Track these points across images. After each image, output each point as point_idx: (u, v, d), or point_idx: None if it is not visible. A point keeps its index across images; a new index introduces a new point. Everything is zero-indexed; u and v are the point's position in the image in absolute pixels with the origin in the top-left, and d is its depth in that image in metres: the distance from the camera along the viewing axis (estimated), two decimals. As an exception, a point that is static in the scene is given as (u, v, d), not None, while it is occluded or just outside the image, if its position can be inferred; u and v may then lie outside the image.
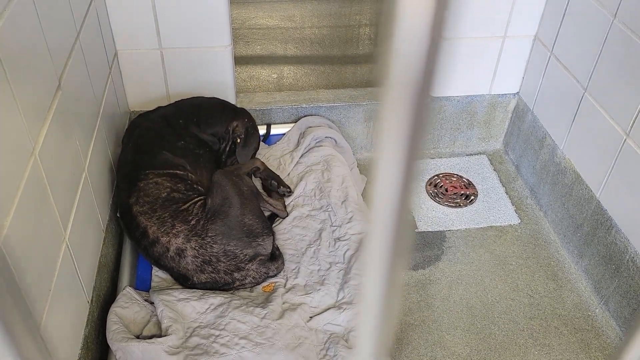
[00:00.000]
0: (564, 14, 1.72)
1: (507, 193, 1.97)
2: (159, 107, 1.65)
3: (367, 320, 0.31)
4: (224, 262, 1.35)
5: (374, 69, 2.55)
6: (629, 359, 0.33)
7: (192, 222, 1.35)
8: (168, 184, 1.40)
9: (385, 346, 0.32)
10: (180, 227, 1.34)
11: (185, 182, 1.43)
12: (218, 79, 1.82)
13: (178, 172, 1.44)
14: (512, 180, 2.02)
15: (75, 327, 1.18)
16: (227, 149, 1.65)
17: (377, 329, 0.32)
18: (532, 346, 1.50)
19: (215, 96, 1.74)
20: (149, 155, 1.46)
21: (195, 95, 1.73)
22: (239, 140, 1.65)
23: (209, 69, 1.79)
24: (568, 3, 1.70)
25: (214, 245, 1.34)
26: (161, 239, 1.34)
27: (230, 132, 1.64)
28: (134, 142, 1.50)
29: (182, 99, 1.69)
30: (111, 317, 1.26)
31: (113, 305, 1.29)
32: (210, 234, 1.34)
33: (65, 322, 1.11)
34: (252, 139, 1.69)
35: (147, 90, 1.80)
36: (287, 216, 1.60)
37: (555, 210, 1.81)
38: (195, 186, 1.44)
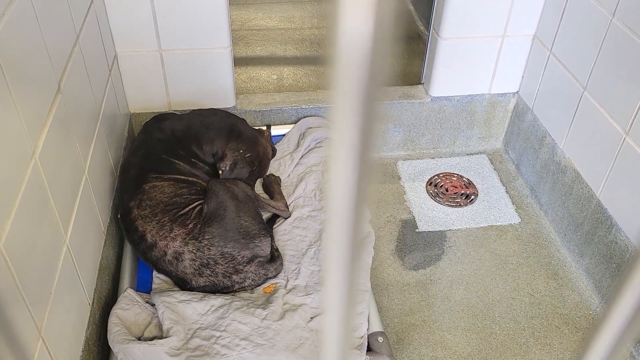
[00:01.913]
0: (563, 13, 1.72)
1: (507, 192, 1.97)
2: (173, 116, 1.62)
3: (331, 323, 0.31)
4: (221, 265, 1.35)
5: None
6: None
7: (190, 226, 1.35)
8: (172, 189, 1.40)
9: (349, 346, 0.32)
10: (178, 230, 1.34)
11: (191, 188, 1.43)
12: (218, 81, 1.82)
13: (189, 178, 1.45)
14: (513, 179, 2.02)
15: (77, 329, 1.18)
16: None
17: (339, 331, 0.32)
18: (533, 345, 1.50)
19: (217, 104, 1.70)
20: (160, 162, 1.46)
21: (212, 107, 1.67)
22: (220, 172, 1.55)
23: (208, 70, 1.79)
24: (567, 2, 1.70)
25: (211, 248, 1.34)
26: (159, 242, 1.34)
27: (218, 159, 1.57)
28: (145, 150, 1.50)
29: (198, 112, 1.64)
30: (112, 319, 1.26)
31: (114, 307, 1.30)
32: (207, 237, 1.34)
33: (66, 324, 1.12)
34: (237, 172, 1.57)
35: (147, 92, 1.80)
36: (289, 216, 1.60)
37: (556, 209, 1.81)
38: (201, 192, 1.44)
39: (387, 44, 0.23)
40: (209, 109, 1.68)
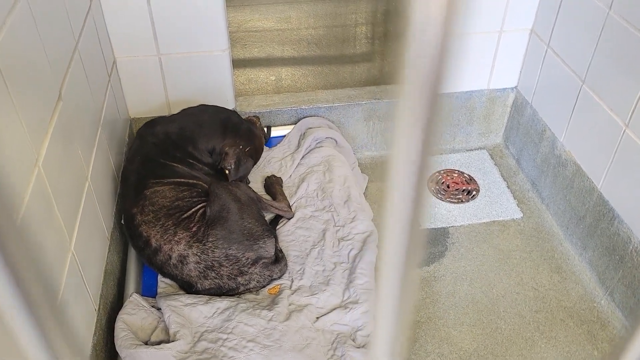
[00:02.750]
0: (560, 7, 1.72)
1: (508, 187, 1.97)
2: (164, 119, 1.62)
3: (383, 327, 0.32)
4: (226, 267, 1.35)
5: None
6: (635, 351, 0.34)
7: (194, 229, 1.35)
8: (173, 193, 1.40)
9: (399, 351, 0.33)
10: (182, 234, 1.34)
11: (192, 191, 1.43)
12: (217, 83, 1.82)
13: (190, 181, 1.45)
14: (513, 174, 2.03)
15: (84, 335, 1.18)
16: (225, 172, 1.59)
17: (392, 335, 0.32)
18: (538, 339, 1.50)
19: (218, 105, 1.70)
20: (158, 167, 1.46)
21: (200, 104, 1.67)
22: (227, 172, 1.55)
23: (207, 73, 1.79)
24: (563, -4, 1.70)
25: (215, 250, 1.34)
26: (163, 247, 1.34)
27: (220, 160, 1.57)
28: (142, 156, 1.50)
29: (188, 111, 1.64)
30: (119, 324, 1.27)
31: (120, 312, 1.30)
32: (211, 239, 1.34)
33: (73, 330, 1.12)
34: (243, 170, 1.59)
35: (146, 97, 1.81)
36: (292, 216, 1.61)
37: (557, 202, 1.81)
38: (203, 194, 1.44)
39: (453, 39, 0.24)
40: (199, 105, 1.67)
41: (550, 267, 1.70)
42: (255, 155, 1.67)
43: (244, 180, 1.65)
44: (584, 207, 1.66)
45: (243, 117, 1.76)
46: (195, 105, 1.69)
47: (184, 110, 1.65)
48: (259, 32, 2.73)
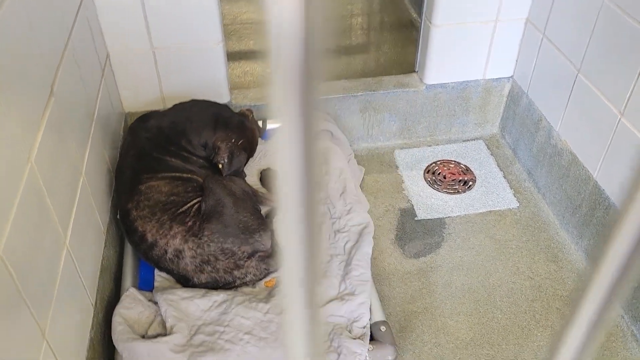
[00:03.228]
0: (555, -4, 1.72)
1: (505, 177, 1.97)
2: (157, 114, 1.61)
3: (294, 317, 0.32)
4: (222, 261, 1.35)
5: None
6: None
7: (189, 223, 1.35)
8: (168, 187, 1.40)
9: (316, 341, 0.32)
10: (177, 228, 1.34)
11: (187, 185, 1.43)
12: (211, 76, 1.82)
13: (183, 175, 1.45)
14: (510, 164, 2.03)
15: (81, 330, 1.19)
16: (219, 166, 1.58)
17: (305, 323, 0.32)
18: (534, 328, 1.51)
19: (212, 99, 1.69)
20: (151, 161, 1.46)
21: (193, 99, 1.67)
22: (220, 167, 1.54)
23: (201, 66, 1.79)
24: (558, -16, 1.69)
25: (210, 244, 1.34)
26: (159, 241, 1.34)
27: (213, 154, 1.56)
28: (135, 151, 1.49)
29: (180, 106, 1.63)
30: (116, 318, 1.27)
31: (117, 306, 1.30)
32: (206, 233, 1.34)
33: (70, 325, 1.12)
34: (236, 163, 1.57)
35: (140, 91, 1.80)
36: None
37: (553, 192, 1.81)
38: (198, 188, 1.44)
39: (321, 34, 0.23)
40: (190, 100, 1.66)
41: (547, 256, 1.70)
42: (249, 148, 1.66)
43: (240, 173, 1.65)
44: (580, 196, 1.67)
45: (236, 110, 1.75)
46: (188, 99, 1.68)
47: (175, 105, 1.65)
48: (253, 24, 2.72)
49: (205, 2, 1.65)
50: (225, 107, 1.69)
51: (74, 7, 1.40)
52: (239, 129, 1.62)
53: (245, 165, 1.65)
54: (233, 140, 1.57)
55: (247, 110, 1.79)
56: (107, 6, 1.61)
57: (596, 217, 1.59)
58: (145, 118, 1.60)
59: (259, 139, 1.82)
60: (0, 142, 0.90)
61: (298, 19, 0.21)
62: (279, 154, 0.25)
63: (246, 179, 1.67)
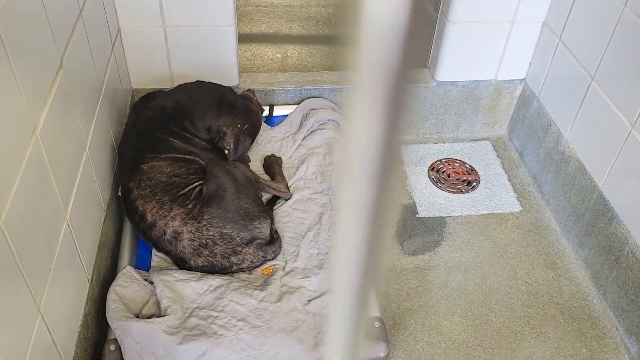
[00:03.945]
0: (574, 0, 1.69)
1: (509, 180, 1.96)
2: (161, 93, 1.60)
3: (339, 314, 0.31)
4: (220, 246, 1.35)
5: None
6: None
7: (189, 206, 1.35)
8: (170, 168, 1.39)
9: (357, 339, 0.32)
10: (177, 210, 1.34)
11: (189, 167, 1.42)
12: (221, 58, 1.80)
13: (186, 156, 1.44)
14: (515, 167, 2.02)
15: (76, 304, 1.19)
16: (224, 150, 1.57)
17: (349, 324, 0.31)
18: (528, 334, 1.51)
19: (220, 81, 1.68)
20: (154, 141, 1.45)
21: (199, 80, 1.67)
22: (227, 152, 1.54)
23: (212, 47, 1.77)
24: (579, -11, 1.67)
25: (210, 229, 1.34)
26: (158, 222, 1.34)
27: (218, 138, 1.55)
28: (138, 129, 1.48)
29: (185, 86, 1.62)
30: (111, 296, 1.27)
31: (113, 284, 1.30)
32: (206, 217, 1.34)
33: (65, 299, 1.12)
34: (242, 148, 1.58)
35: (150, 68, 1.79)
36: (290, 197, 1.60)
37: (557, 199, 1.80)
38: (200, 170, 1.43)
39: (423, 18, 0.21)
40: (195, 81, 1.65)
41: (546, 262, 1.70)
42: (253, 132, 1.65)
43: (244, 158, 1.64)
44: (584, 205, 1.66)
45: (239, 92, 1.74)
46: (195, 80, 1.67)
47: (179, 85, 1.64)
48: (267, 7, 2.69)
49: (220, -18, 1.63)
50: (229, 89, 1.68)
51: (88, -20, 1.38)
52: (244, 113, 1.61)
53: (249, 149, 1.64)
54: (239, 126, 1.57)
55: (249, 91, 1.77)
56: (121, -20, 1.59)
57: (598, 227, 1.58)
58: (149, 97, 1.59)
59: (265, 125, 1.81)
60: (7, 114, 0.89)
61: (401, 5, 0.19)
62: (355, 141, 0.23)
63: (249, 163, 1.66)
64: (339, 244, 0.27)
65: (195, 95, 1.58)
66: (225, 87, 1.68)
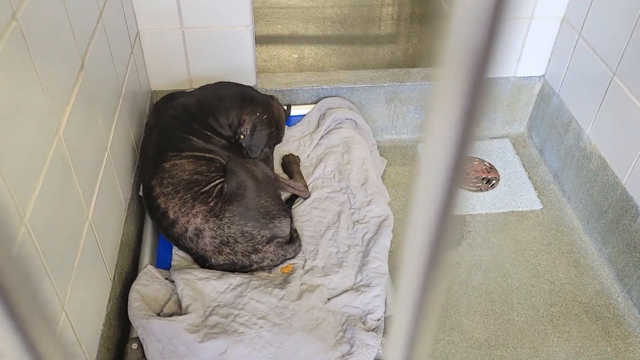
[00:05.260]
0: (595, -6, 1.67)
1: (529, 178, 1.94)
2: (183, 93, 1.63)
3: (399, 332, 0.30)
4: (241, 244, 1.36)
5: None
6: None
7: (211, 204, 1.36)
8: (192, 166, 1.41)
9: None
10: (199, 207, 1.35)
11: (210, 165, 1.43)
12: (239, 59, 1.81)
13: (207, 155, 1.45)
14: (536, 164, 1.99)
15: (98, 303, 1.20)
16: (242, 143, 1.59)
17: (408, 341, 0.31)
18: (551, 333, 1.49)
19: (238, 82, 1.70)
20: (176, 139, 1.46)
21: (219, 80, 1.67)
22: (242, 137, 1.56)
23: (229, 48, 1.78)
24: (599, -17, 1.64)
25: (231, 226, 1.35)
26: (180, 219, 1.35)
27: (237, 125, 1.57)
28: (160, 128, 1.50)
29: (206, 87, 1.64)
30: (132, 295, 1.28)
31: (134, 283, 1.31)
32: (227, 215, 1.35)
33: (88, 298, 1.14)
34: (258, 136, 1.58)
35: (168, 70, 1.80)
36: (309, 196, 1.60)
37: (579, 196, 1.78)
38: (221, 168, 1.44)
39: (503, 22, 0.21)
40: (216, 82, 1.67)
41: (568, 260, 1.67)
42: (276, 126, 1.64)
43: (261, 151, 1.62)
44: (607, 202, 1.63)
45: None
46: (214, 81, 1.68)
47: (202, 86, 1.65)
48: (283, 9, 2.70)
49: (237, -17, 1.64)
50: (251, 87, 1.70)
51: (108, -17, 1.40)
52: (264, 105, 1.63)
53: (268, 142, 1.63)
54: (258, 114, 1.58)
55: (271, 96, 1.78)
56: (140, -17, 1.60)
57: (622, 224, 1.56)
58: (172, 96, 1.61)
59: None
60: (31, 114, 0.90)
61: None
62: (432, 137, 0.23)
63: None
64: (408, 242, 0.27)
65: (218, 92, 1.61)
66: (246, 85, 1.69)
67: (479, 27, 0.21)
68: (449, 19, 0.21)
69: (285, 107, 1.89)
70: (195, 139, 1.48)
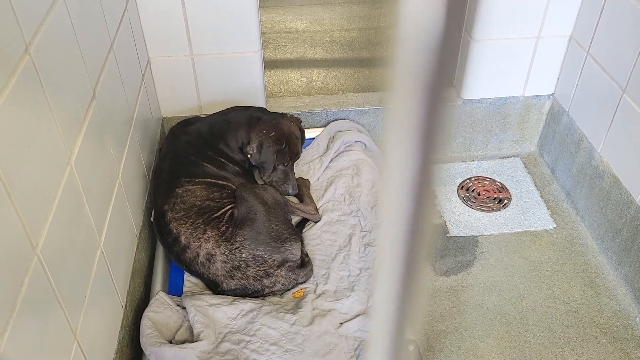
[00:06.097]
0: (601, 13, 1.67)
1: (542, 197, 1.92)
2: (198, 119, 1.65)
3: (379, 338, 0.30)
4: (253, 268, 1.35)
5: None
6: None
7: (222, 229, 1.36)
8: (204, 192, 1.42)
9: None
10: (211, 232, 1.35)
11: (222, 192, 1.44)
12: (248, 84, 1.83)
13: (219, 182, 1.46)
14: (547, 183, 1.98)
15: (110, 331, 1.20)
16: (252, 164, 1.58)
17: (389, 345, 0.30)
18: (568, 355, 1.46)
19: (249, 105, 1.71)
20: (189, 165, 1.48)
21: (232, 106, 1.68)
22: (249, 155, 1.55)
23: (239, 74, 1.80)
24: (605, 2, 1.65)
25: (242, 250, 1.35)
26: (192, 244, 1.35)
27: (245, 146, 1.57)
28: (174, 153, 1.52)
29: (219, 112, 1.65)
30: (144, 322, 1.28)
31: (146, 310, 1.31)
32: (238, 239, 1.35)
33: (100, 326, 1.14)
34: (266, 153, 1.55)
35: (179, 97, 1.83)
36: (319, 220, 1.60)
37: (593, 215, 1.76)
38: (232, 195, 1.45)
39: (455, 34, 0.21)
40: (228, 107, 1.68)
41: (584, 280, 1.64)
42: (286, 141, 1.59)
43: (272, 168, 1.59)
44: (621, 220, 1.61)
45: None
46: (225, 105, 1.70)
47: (215, 113, 1.67)
48: (291, 34, 2.74)
49: (244, 11, 1.67)
50: (261, 108, 1.69)
51: (118, 14, 1.43)
52: (272, 123, 1.60)
53: (280, 158, 1.58)
54: (264, 132, 1.56)
55: (282, 114, 1.70)
56: (150, 13, 1.64)
57: (638, 243, 1.53)
58: (187, 122, 1.63)
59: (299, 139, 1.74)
60: (43, 145, 0.92)
61: (434, 23, 0.20)
62: (391, 161, 0.23)
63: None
64: (378, 265, 0.27)
65: (228, 117, 1.62)
66: (256, 106, 1.70)
67: (430, 52, 0.21)
68: (399, 43, 0.21)
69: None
70: (208, 165, 1.49)
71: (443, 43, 0.21)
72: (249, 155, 1.56)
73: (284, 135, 1.60)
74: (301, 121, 1.76)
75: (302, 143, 1.71)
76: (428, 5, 0.20)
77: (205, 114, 1.84)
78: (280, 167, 1.60)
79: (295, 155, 1.65)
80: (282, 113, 1.71)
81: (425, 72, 0.21)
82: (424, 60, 0.21)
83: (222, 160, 1.54)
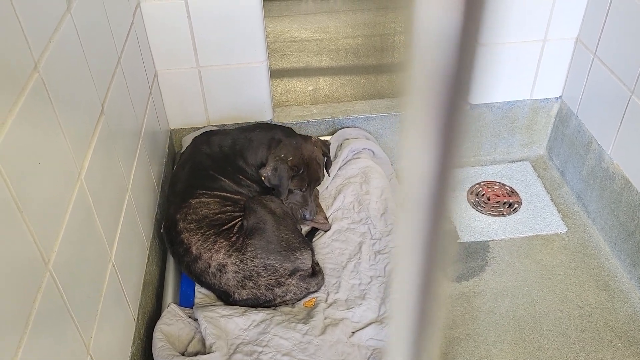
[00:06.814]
0: (607, 15, 1.66)
1: (552, 200, 1.91)
2: (221, 132, 1.62)
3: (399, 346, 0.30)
4: (264, 277, 1.35)
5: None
6: None
7: (233, 239, 1.37)
8: (217, 206, 1.43)
9: None
10: (221, 243, 1.36)
11: (235, 206, 1.44)
12: (255, 95, 1.84)
13: (234, 196, 1.46)
14: (558, 187, 1.96)
15: (123, 344, 1.20)
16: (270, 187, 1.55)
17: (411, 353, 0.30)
18: (584, 359, 1.44)
19: (252, 118, 1.70)
20: (206, 178, 1.48)
21: (257, 122, 1.64)
22: (263, 177, 1.52)
23: (245, 84, 1.81)
24: (610, 3, 1.64)
25: (254, 260, 1.35)
26: (203, 255, 1.36)
27: (262, 167, 1.53)
28: (193, 164, 1.52)
29: (243, 127, 1.63)
30: (157, 334, 1.28)
31: (158, 322, 1.31)
32: (249, 249, 1.35)
33: (112, 340, 1.14)
34: (280, 177, 1.50)
35: (186, 108, 1.84)
36: (329, 229, 1.59)
37: (605, 217, 1.74)
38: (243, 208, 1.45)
39: (475, 47, 0.21)
40: (254, 123, 1.68)
41: (597, 284, 1.63)
42: (305, 167, 1.54)
43: (288, 192, 1.54)
44: (633, 222, 1.59)
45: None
46: (232, 116, 1.70)
47: (239, 127, 1.65)
48: (297, 42, 2.75)
49: (250, 22, 1.67)
50: (286, 129, 1.62)
51: (125, 29, 1.44)
52: (293, 147, 1.55)
53: (298, 183, 1.53)
54: (282, 155, 1.52)
55: (309, 137, 1.63)
56: (156, 26, 1.65)
57: (651, 245, 1.52)
58: (211, 133, 1.63)
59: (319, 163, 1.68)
60: (54, 161, 0.93)
61: (454, 28, 0.19)
62: (409, 165, 0.23)
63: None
64: (397, 272, 0.27)
65: (251, 134, 1.58)
66: (282, 127, 1.64)
67: (449, 53, 0.20)
68: (415, 46, 0.20)
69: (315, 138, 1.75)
70: (226, 180, 1.50)
71: (462, 46, 0.20)
72: (262, 178, 1.53)
73: (303, 160, 1.54)
74: (329, 144, 1.66)
75: (329, 168, 1.64)
76: (445, 8, 0.19)
77: (213, 125, 1.85)
78: (298, 191, 1.55)
79: (315, 181, 1.57)
80: (307, 136, 1.62)
81: (444, 76, 0.21)
82: (442, 65, 0.20)
83: (240, 177, 1.53)
